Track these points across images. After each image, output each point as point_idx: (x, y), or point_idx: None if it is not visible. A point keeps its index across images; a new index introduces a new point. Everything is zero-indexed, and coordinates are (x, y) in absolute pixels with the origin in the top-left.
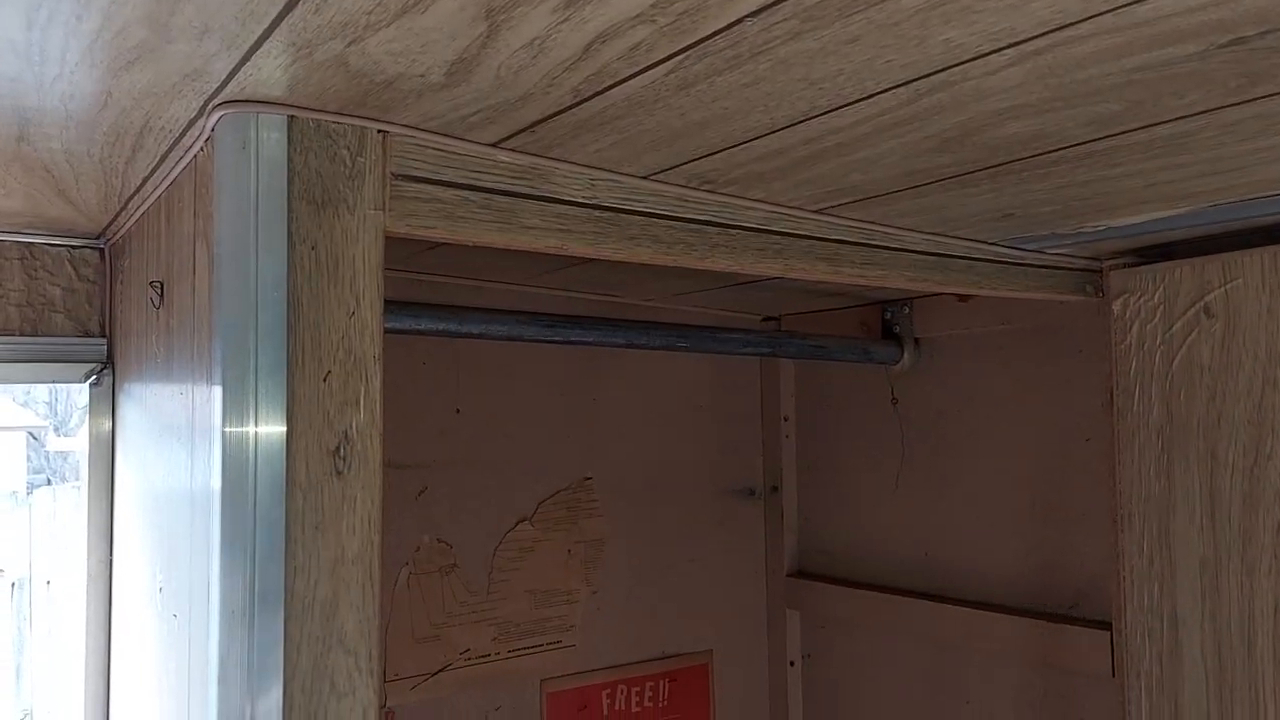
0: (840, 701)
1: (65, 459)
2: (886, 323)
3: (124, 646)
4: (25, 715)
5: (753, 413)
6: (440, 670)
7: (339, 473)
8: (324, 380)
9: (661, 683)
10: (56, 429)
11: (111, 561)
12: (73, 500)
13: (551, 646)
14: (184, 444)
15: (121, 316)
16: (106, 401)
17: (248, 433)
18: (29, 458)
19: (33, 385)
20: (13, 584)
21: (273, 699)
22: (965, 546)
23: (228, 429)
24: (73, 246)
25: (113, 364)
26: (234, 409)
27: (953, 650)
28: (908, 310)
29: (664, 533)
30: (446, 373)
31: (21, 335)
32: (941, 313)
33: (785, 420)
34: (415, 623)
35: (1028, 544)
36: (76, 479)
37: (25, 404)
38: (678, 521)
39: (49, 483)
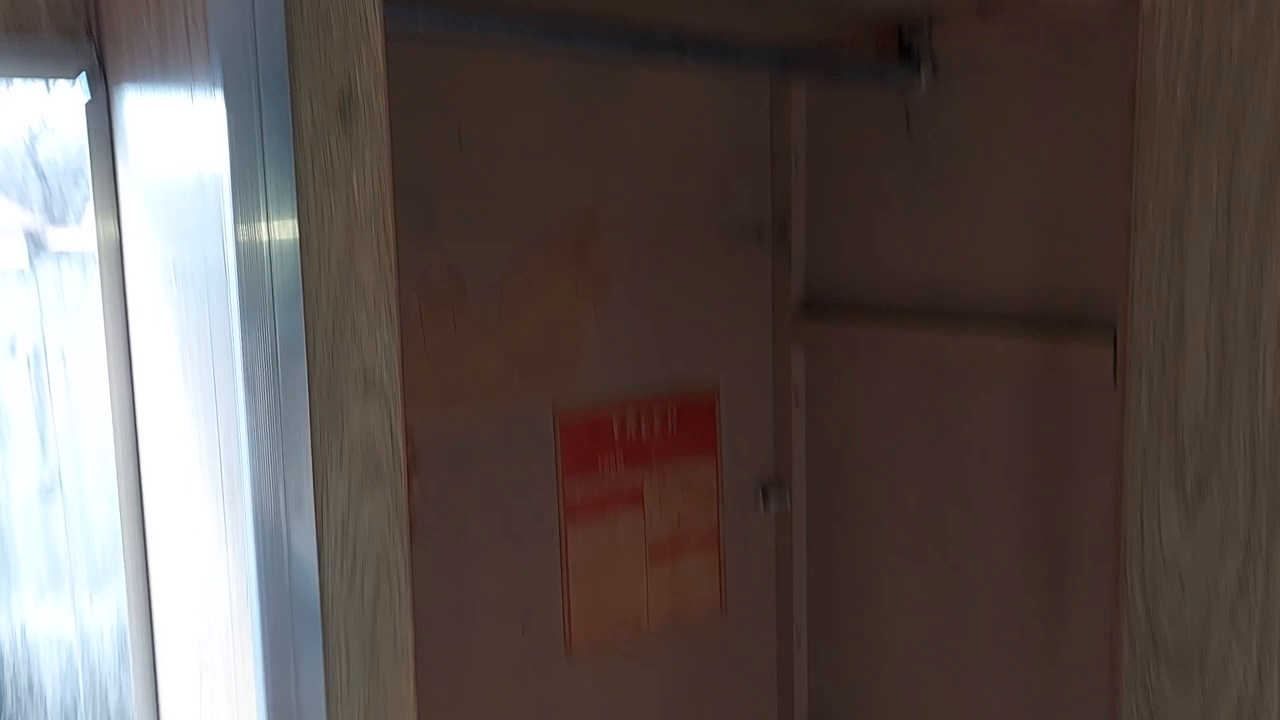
0: (841, 431)
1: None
2: (904, 46)
3: (148, 397)
4: (53, 486)
5: (762, 145)
6: (455, 394)
7: (344, 123)
8: (325, 29)
9: (670, 413)
10: (54, 224)
11: (128, 322)
12: (78, 270)
13: (563, 375)
14: (184, 106)
15: (109, 16)
16: (103, 110)
17: (248, 82)
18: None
19: (25, 186)
20: (28, 357)
21: (296, 337)
22: (975, 270)
23: (229, 70)
24: None
25: (105, 72)
26: (233, 63)
27: (957, 373)
28: (926, 32)
29: (671, 270)
30: (445, 102)
31: (6, 31)
32: (961, 34)
33: (795, 153)
34: (429, 348)
35: (1037, 263)
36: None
37: (21, 204)
38: (685, 259)
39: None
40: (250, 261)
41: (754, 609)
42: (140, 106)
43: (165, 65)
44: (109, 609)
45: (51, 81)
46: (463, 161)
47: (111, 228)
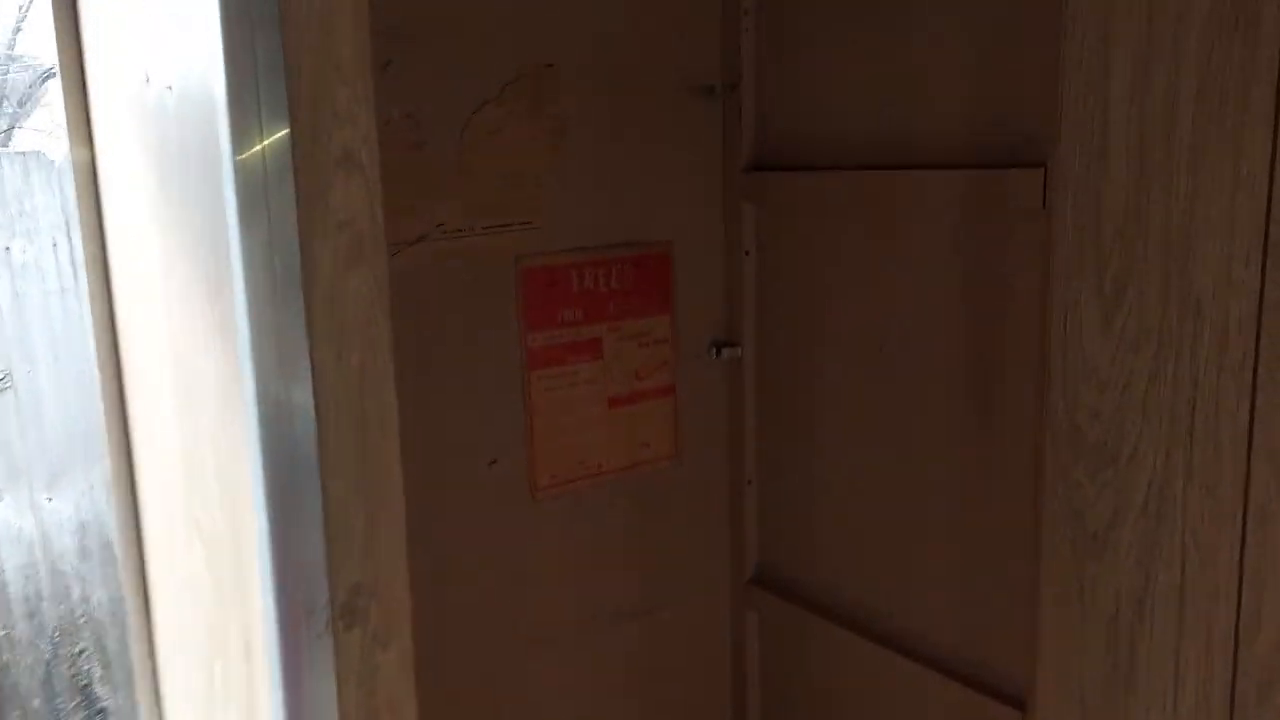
0: (790, 280)
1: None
2: None
3: (126, 286)
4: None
5: (713, 4)
6: (418, 240)
7: None
8: None
9: (626, 266)
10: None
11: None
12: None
13: (522, 226)
14: None
15: None
16: None
17: None
18: None
19: None
20: None
21: (280, 124)
22: (921, 115)
23: None
24: None
25: None
26: None
27: (899, 210)
28: None
29: (625, 125)
30: None
31: None
32: None
33: (745, 14)
34: (390, 193)
35: (977, 102)
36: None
37: None
38: (638, 115)
39: None
40: (233, 50)
41: (707, 454)
42: None
43: None
44: (68, 504)
45: None
46: (419, 5)
47: (80, 115)
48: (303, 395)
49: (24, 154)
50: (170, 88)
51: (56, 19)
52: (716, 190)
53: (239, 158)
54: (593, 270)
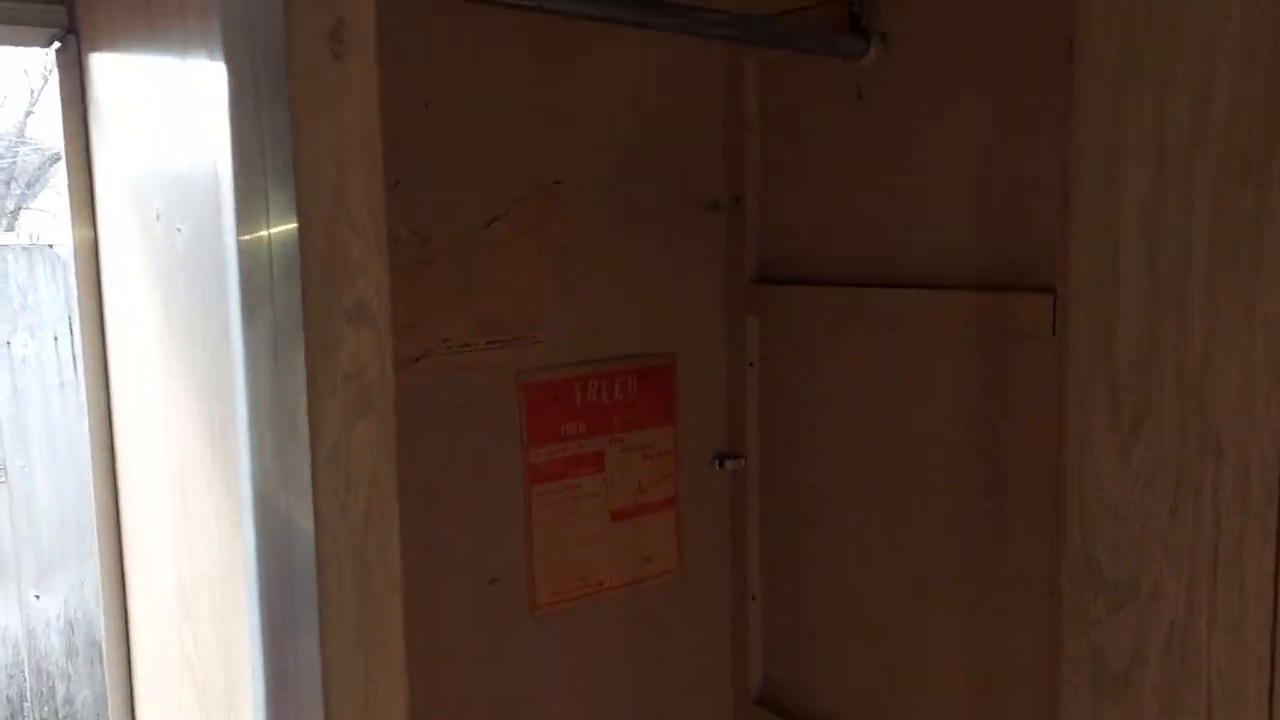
0: (794, 396)
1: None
2: (853, 16)
3: (120, 353)
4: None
5: (718, 116)
6: (422, 356)
7: (337, 56)
8: None
9: (630, 379)
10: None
11: (103, 311)
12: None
13: (526, 341)
14: (176, 56)
15: None
16: (74, 71)
17: (247, 15)
18: None
19: None
20: None
21: (291, 275)
22: (923, 235)
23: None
24: None
25: (77, 32)
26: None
27: (904, 335)
28: (875, 3)
29: (631, 239)
30: (411, 67)
31: None
32: (909, 5)
33: (749, 129)
34: (397, 310)
35: (983, 226)
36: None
37: None
38: (644, 229)
39: None
40: (246, 200)
41: (710, 568)
42: (119, 62)
43: (150, 21)
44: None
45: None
46: (430, 125)
47: (84, 196)
48: (304, 548)
49: (29, 247)
50: (180, 230)
51: (65, 107)
52: (721, 302)
53: (247, 306)
54: (596, 382)
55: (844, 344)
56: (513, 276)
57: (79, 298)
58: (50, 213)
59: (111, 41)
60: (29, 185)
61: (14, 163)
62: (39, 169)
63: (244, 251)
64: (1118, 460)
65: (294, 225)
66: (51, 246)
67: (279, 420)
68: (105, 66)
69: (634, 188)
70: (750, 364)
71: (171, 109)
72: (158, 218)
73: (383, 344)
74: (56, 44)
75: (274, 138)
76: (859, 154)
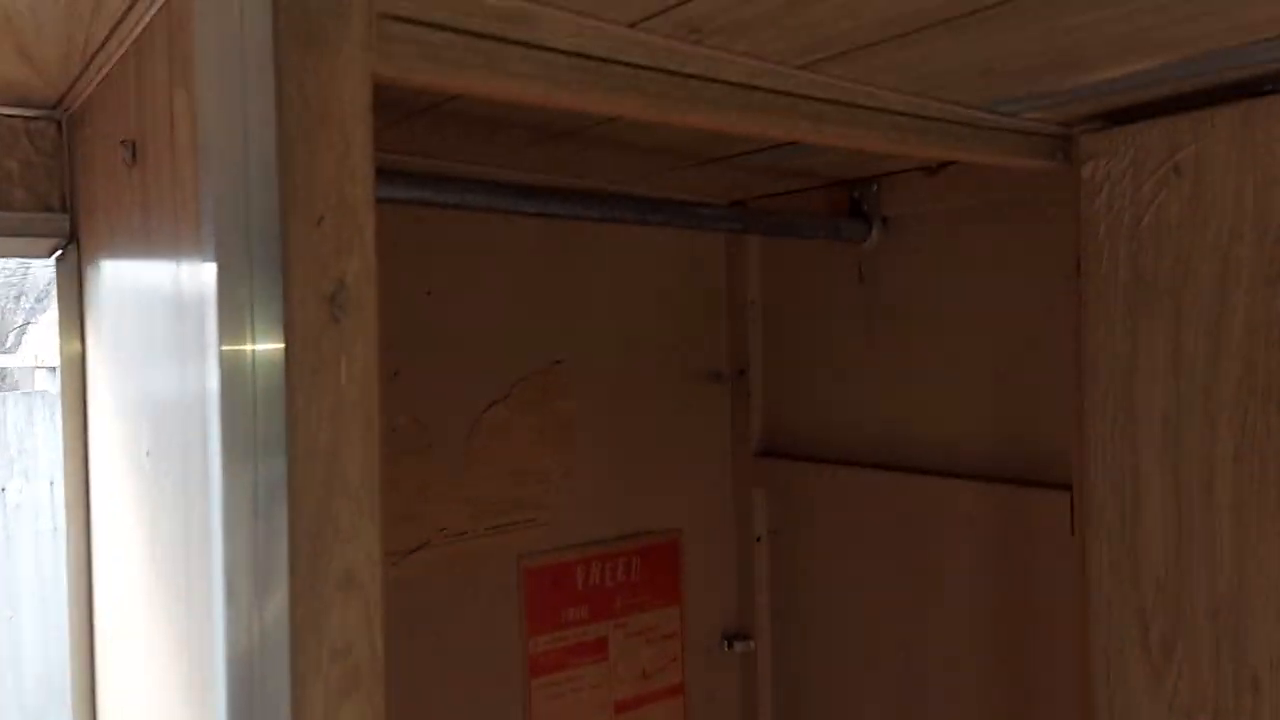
0: (805, 574)
1: (3, 376)
2: (854, 202)
3: (106, 544)
4: None
5: (719, 295)
6: (419, 548)
7: (336, 320)
8: (317, 225)
9: (634, 559)
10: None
11: (87, 458)
12: (23, 408)
13: (527, 524)
14: (170, 305)
15: (85, 189)
16: (73, 275)
17: (243, 277)
18: None
19: None
20: None
21: (279, 541)
22: (931, 419)
23: (222, 272)
24: (29, 118)
25: (78, 239)
26: (227, 258)
27: (916, 520)
28: (875, 189)
29: (633, 415)
30: (416, 256)
31: None
32: (909, 190)
33: (751, 304)
34: (393, 502)
35: (993, 416)
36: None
37: None
38: (646, 404)
39: None
40: (235, 456)
41: None
42: (116, 276)
43: (149, 244)
44: None
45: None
46: (431, 312)
47: (76, 385)
48: None
49: (29, 393)
50: (166, 472)
51: (62, 313)
52: (727, 476)
53: (230, 557)
54: (599, 564)
55: (856, 523)
56: (512, 458)
57: (65, 446)
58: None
59: (111, 252)
60: (38, 300)
61: (24, 278)
62: (48, 284)
63: (230, 509)
64: (1150, 686)
65: (283, 488)
66: (50, 392)
67: (252, 703)
68: (103, 275)
69: (635, 362)
70: (758, 539)
71: (167, 341)
72: (147, 454)
73: (372, 616)
74: (58, 253)
75: (266, 396)
76: (863, 334)
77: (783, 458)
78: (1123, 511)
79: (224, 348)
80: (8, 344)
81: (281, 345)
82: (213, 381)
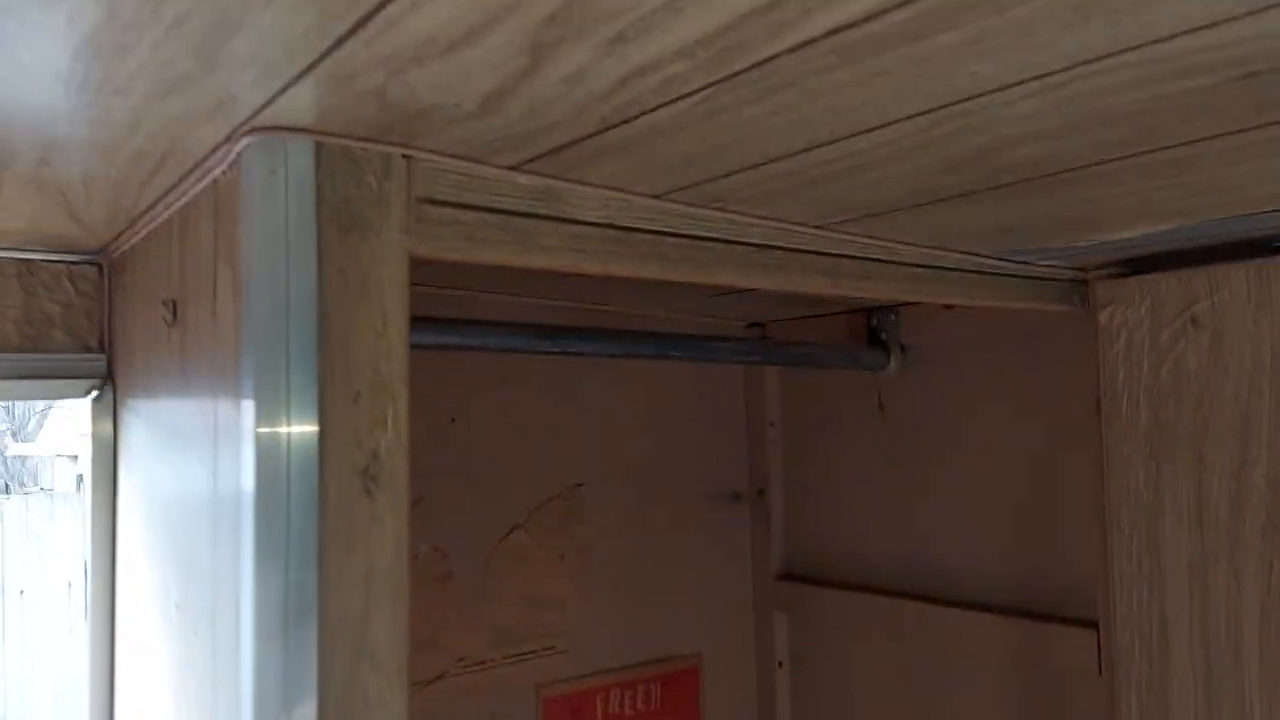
0: (828, 701)
1: (24, 463)
2: (873, 330)
3: (129, 658)
4: None
5: (738, 418)
6: (437, 678)
7: (369, 492)
8: (354, 401)
9: (653, 685)
10: (14, 434)
11: (115, 571)
12: (45, 509)
13: (546, 652)
14: (206, 454)
15: (123, 332)
16: (108, 415)
17: (280, 436)
18: None
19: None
20: None
21: (308, 714)
22: (951, 549)
23: (261, 430)
24: (71, 263)
25: (113, 379)
26: (266, 419)
27: (940, 650)
28: (894, 317)
29: (653, 538)
30: (440, 384)
31: (20, 352)
32: (927, 320)
33: (771, 425)
34: (414, 631)
35: (1013, 547)
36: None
37: None
38: (666, 527)
39: (6, 489)
40: (266, 624)
41: None
42: (152, 422)
43: (186, 392)
44: None
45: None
46: (452, 441)
47: (107, 562)
48: None
49: (52, 492)
50: (194, 631)
51: (96, 451)
52: (747, 599)
53: None
54: (619, 691)
55: (878, 651)
56: (531, 584)
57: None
58: (74, 414)
59: (149, 396)
60: None
61: None
62: None
63: (259, 688)
64: None
65: (313, 657)
66: (73, 493)
67: None
68: (138, 418)
69: (655, 485)
70: (780, 664)
71: (200, 499)
72: (177, 607)
73: None
74: (94, 394)
75: (300, 567)
76: (883, 463)
77: (804, 581)
78: (1151, 658)
79: (258, 511)
80: (29, 430)
81: (315, 517)
82: (248, 550)
